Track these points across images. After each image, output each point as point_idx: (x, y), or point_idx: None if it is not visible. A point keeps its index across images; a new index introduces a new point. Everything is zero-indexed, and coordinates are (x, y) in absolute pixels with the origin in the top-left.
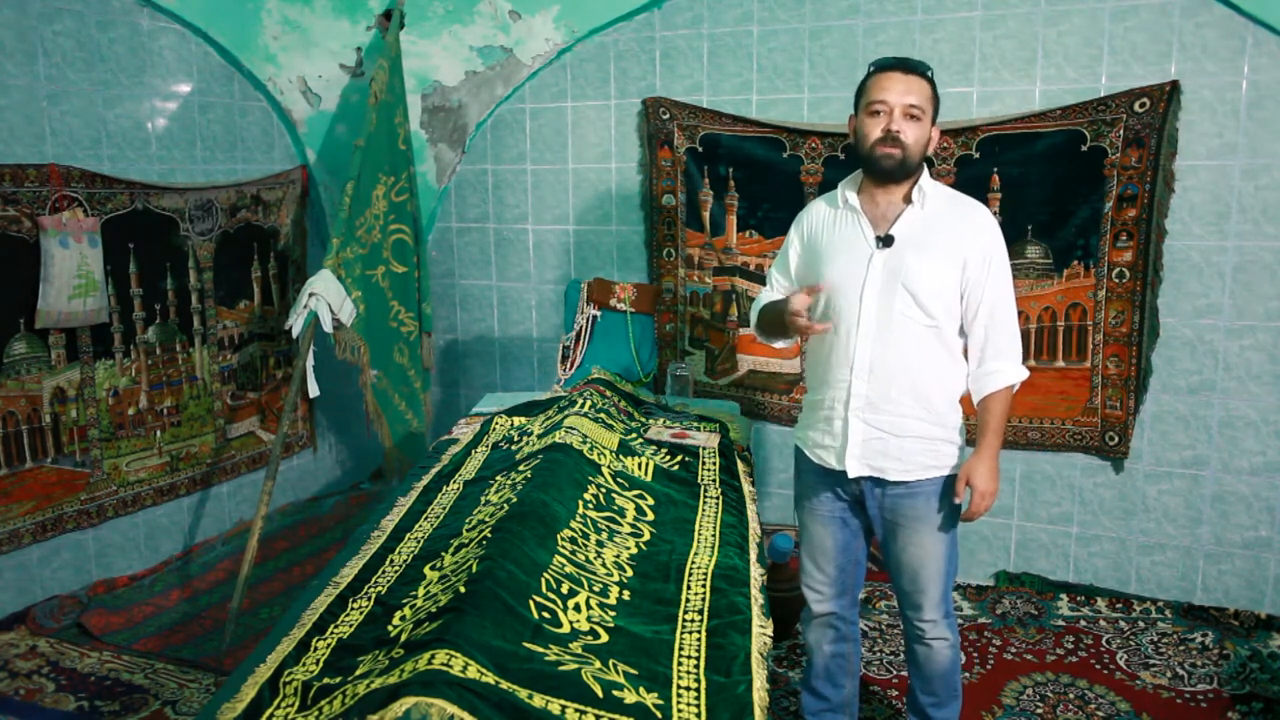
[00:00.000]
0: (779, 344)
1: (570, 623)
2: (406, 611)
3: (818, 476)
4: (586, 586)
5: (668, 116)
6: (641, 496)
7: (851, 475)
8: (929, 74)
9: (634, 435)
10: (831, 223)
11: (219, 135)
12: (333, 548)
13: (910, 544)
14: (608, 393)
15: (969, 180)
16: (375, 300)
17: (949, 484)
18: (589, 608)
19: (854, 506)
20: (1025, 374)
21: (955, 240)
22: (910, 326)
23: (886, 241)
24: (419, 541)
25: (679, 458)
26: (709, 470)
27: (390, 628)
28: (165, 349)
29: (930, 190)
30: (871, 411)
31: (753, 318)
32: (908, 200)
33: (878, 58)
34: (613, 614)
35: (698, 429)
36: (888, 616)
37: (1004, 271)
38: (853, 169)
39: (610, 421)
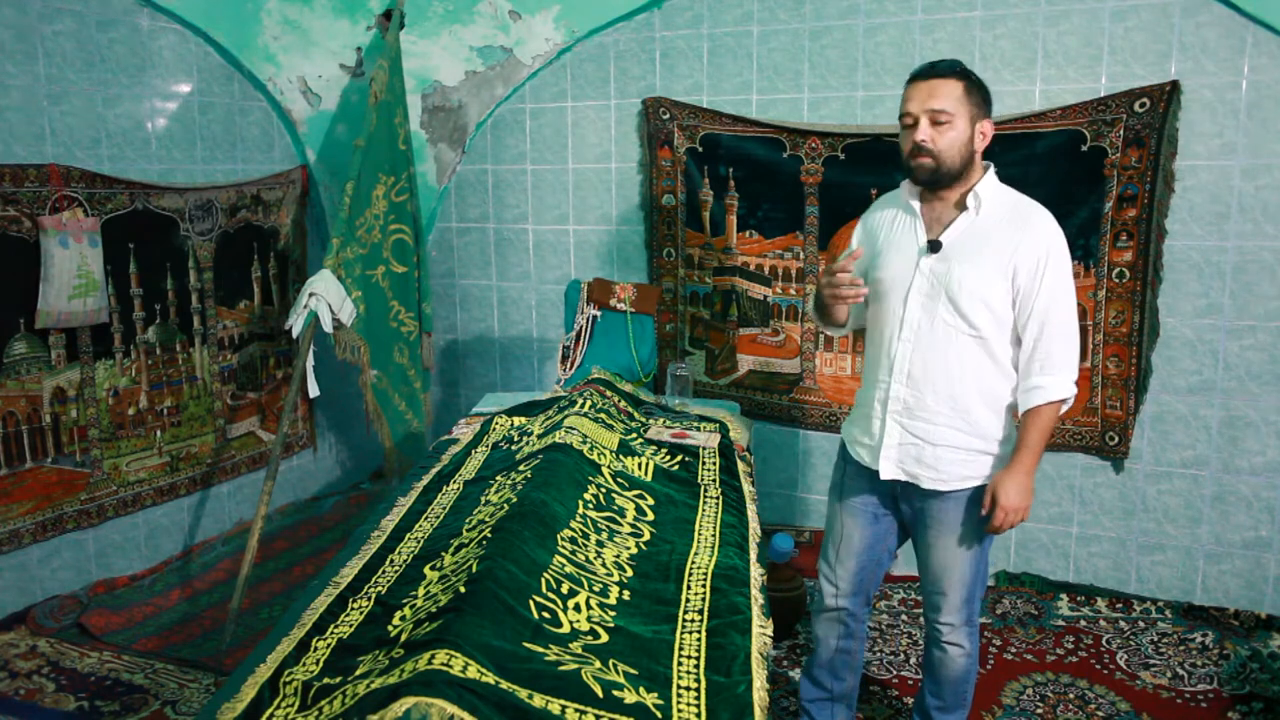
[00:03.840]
0: (831, 331)
1: (570, 623)
2: (406, 611)
3: (857, 472)
4: (586, 586)
5: (668, 116)
6: (641, 496)
7: (884, 477)
8: (958, 70)
9: (634, 435)
10: (891, 222)
11: (219, 135)
12: (333, 548)
13: (936, 547)
14: (608, 393)
15: None
16: (375, 300)
17: (983, 493)
18: (589, 608)
19: (889, 504)
20: (1072, 390)
21: (1006, 249)
22: (953, 335)
23: (934, 247)
24: (419, 541)
25: (679, 458)
26: (709, 470)
27: (390, 628)
28: (165, 349)
29: (987, 196)
30: (908, 417)
31: (810, 301)
32: (962, 206)
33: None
34: (613, 614)
35: (698, 429)
36: (888, 616)
37: (1059, 282)
38: (853, 169)
39: (610, 421)
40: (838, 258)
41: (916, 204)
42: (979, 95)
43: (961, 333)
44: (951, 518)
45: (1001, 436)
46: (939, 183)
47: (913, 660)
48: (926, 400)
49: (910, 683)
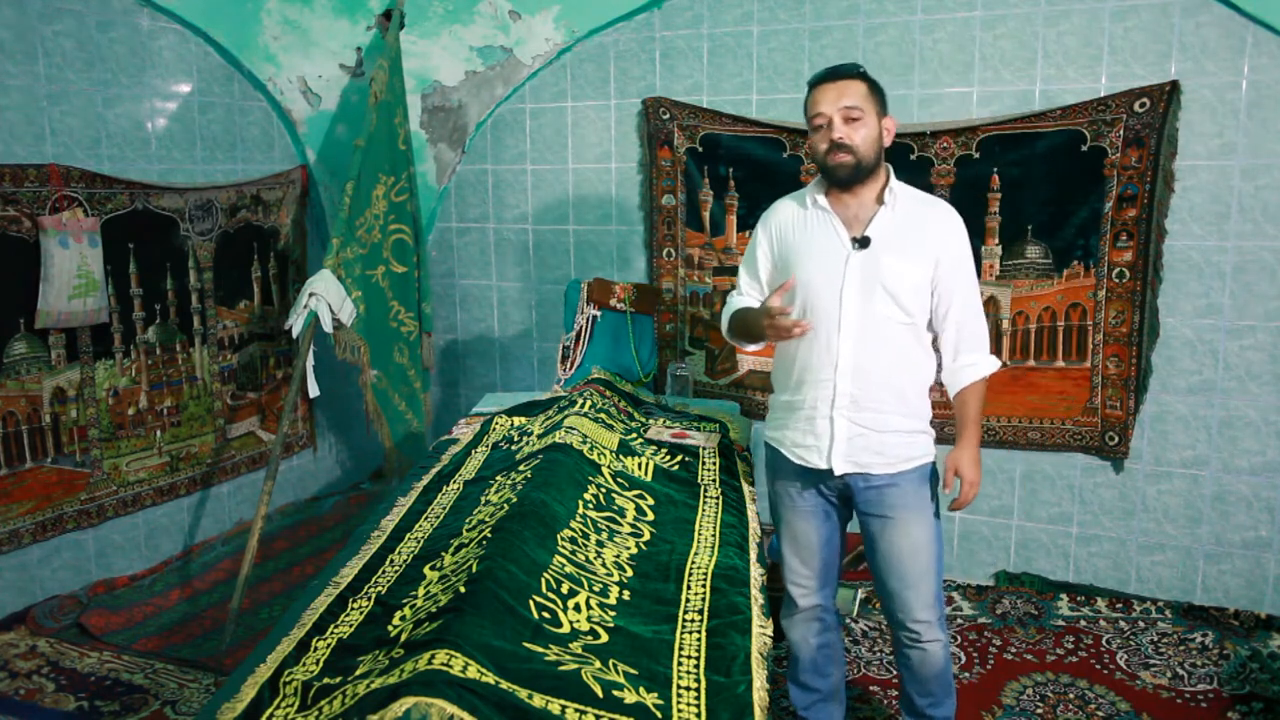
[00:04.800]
0: (751, 348)
1: (570, 623)
2: (406, 611)
3: (798, 475)
4: (586, 586)
5: (668, 116)
6: (641, 496)
7: (839, 473)
8: (860, 71)
9: (634, 435)
10: (802, 224)
11: (219, 135)
12: (333, 548)
13: (899, 536)
14: (608, 393)
15: (969, 180)
16: (375, 300)
17: (927, 472)
18: (589, 608)
19: (836, 499)
20: (997, 364)
21: (927, 240)
22: (889, 325)
23: (863, 243)
24: (419, 541)
25: (679, 458)
26: (709, 470)
27: (390, 628)
28: (165, 349)
29: (900, 191)
30: (855, 410)
31: (724, 323)
32: (879, 201)
33: (812, 74)
34: (613, 614)
35: (698, 429)
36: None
37: (971, 267)
38: None
39: (610, 421)
40: (769, 299)
41: (826, 203)
42: (880, 94)
43: (897, 322)
44: (909, 499)
45: (930, 415)
46: (856, 179)
47: None
48: (874, 391)
49: None
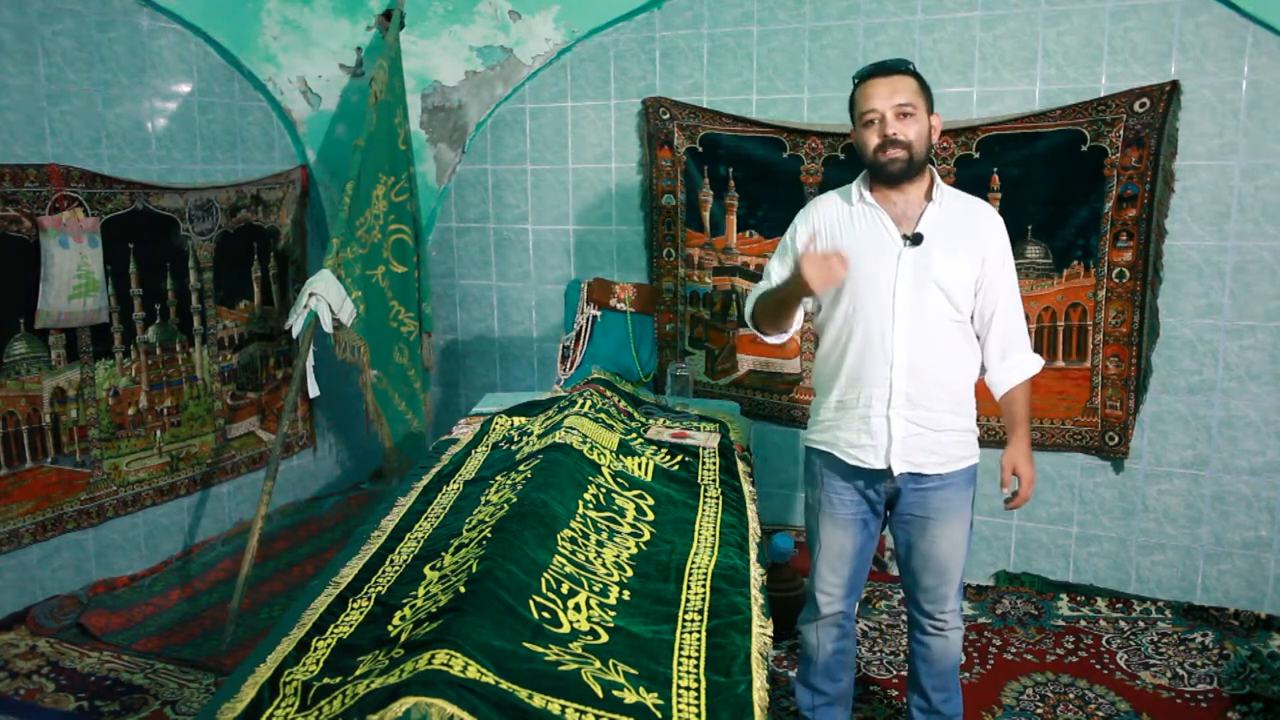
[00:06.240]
0: (773, 338)
1: (570, 623)
2: (406, 611)
3: (844, 479)
4: (586, 586)
5: (668, 116)
6: (641, 496)
7: (897, 472)
8: (911, 68)
9: (634, 435)
10: (849, 220)
11: (219, 135)
12: (333, 548)
13: (942, 536)
14: (608, 393)
15: (969, 180)
16: (375, 300)
17: (973, 474)
18: (589, 608)
19: (876, 508)
20: (1042, 362)
21: (974, 237)
22: (941, 323)
23: (915, 240)
24: (419, 541)
25: (679, 458)
26: (709, 470)
27: (390, 628)
28: (165, 349)
29: (945, 189)
30: (910, 408)
31: (748, 308)
32: (928, 199)
33: (859, 69)
34: (613, 614)
35: (698, 429)
36: (888, 616)
37: (1013, 267)
38: (853, 169)
39: (610, 421)
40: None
41: (873, 199)
42: (928, 91)
43: (949, 319)
44: (955, 502)
45: (975, 414)
46: (908, 175)
47: None
48: (929, 389)
49: None
